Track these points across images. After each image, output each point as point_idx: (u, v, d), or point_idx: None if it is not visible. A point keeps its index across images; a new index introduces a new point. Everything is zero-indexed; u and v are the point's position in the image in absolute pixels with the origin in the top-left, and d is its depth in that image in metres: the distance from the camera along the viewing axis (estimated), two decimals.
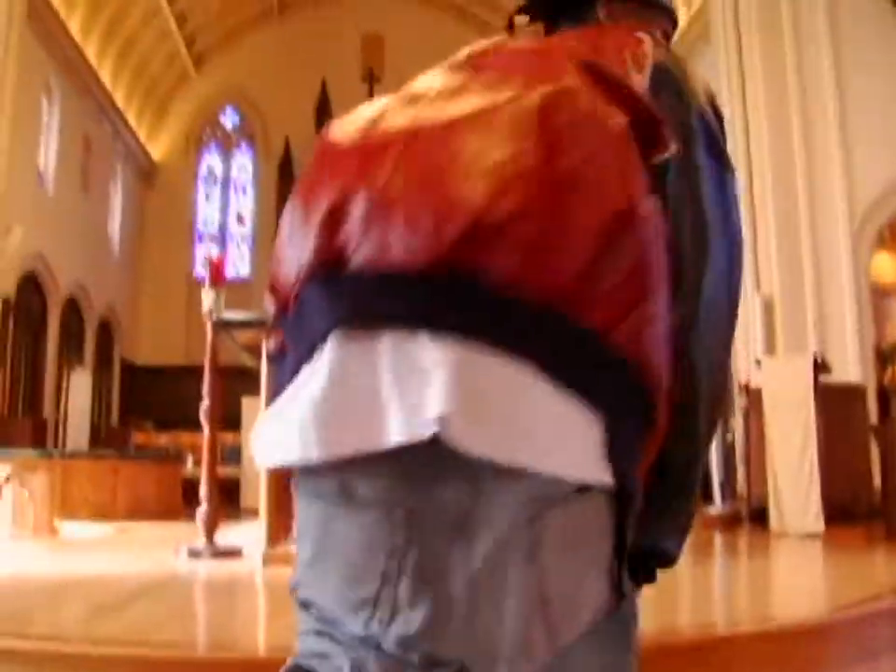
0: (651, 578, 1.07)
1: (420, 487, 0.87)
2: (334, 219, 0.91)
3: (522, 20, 1.41)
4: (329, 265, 0.91)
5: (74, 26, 15.54)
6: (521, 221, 0.87)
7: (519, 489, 0.86)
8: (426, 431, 0.82)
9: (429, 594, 0.86)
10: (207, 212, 21.13)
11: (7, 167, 12.03)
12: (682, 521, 1.09)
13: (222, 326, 4.74)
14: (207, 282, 4.84)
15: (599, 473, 0.89)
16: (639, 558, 1.01)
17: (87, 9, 15.89)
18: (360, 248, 0.89)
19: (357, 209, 0.90)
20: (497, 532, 0.86)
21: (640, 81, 1.08)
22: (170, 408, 16.44)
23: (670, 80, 1.13)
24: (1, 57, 11.88)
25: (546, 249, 0.87)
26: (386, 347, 0.87)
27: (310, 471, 0.93)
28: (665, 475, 1.02)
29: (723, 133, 1.17)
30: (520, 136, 0.92)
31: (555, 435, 0.87)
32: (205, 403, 5.25)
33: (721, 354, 1.10)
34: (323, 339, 0.91)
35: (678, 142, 1.02)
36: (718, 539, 7.81)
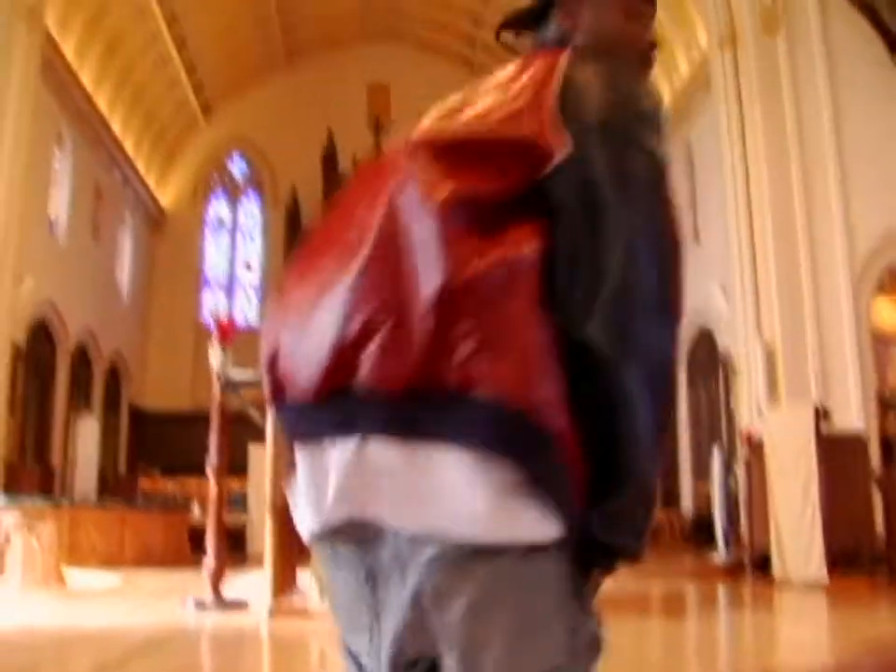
0: (609, 569, 1.14)
1: (371, 550, 1.12)
2: (273, 363, 1.18)
3: (508, 36, 1.49)
4: (276, 400, 1.20)
5: (86, 77, 15.81)
6: (372, 333, 1.08)
7: (423, 552, 1.06)
8: (338, 514, 1.11)
9: (394, 626, 1.11)
10: (215, 259, 21.32)
11: (19, 217, 12.20)
12: (636, 516, 1.12)
13: (229, 385, 4.85)
14: (216, 342, 4.95)
15: (491, 532, 1.04)
16: (597, 552, 1.10)
17: (98, 61, 16.18)
18: (287, 384, 1.17)
19: (285, 348, 1.17)
20: (411, 590, 1.08)
21: (550, 94, 1.18)
22: (177, 454, 16.50)
23: (575, 88, 1.20)
24: (15, 108, 12.09)
25: (394, 344, 1.07)
26: (328, 453, 1.13)
27: (317, 542, 1.19)
28: (612, 472, 1.09)
29: (649, 128, 1.19)
30: (367, 249, 1.14)
31: (441, 501, 1.05)
32: (212, 460, 5.34)
33: (654, 352, 1.12)
34: (293, 449, 1.20)
35: (572, 147, 1.12)
36: (721, 589, 7.83)
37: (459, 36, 20.44)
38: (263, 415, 4.85)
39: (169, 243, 20.37)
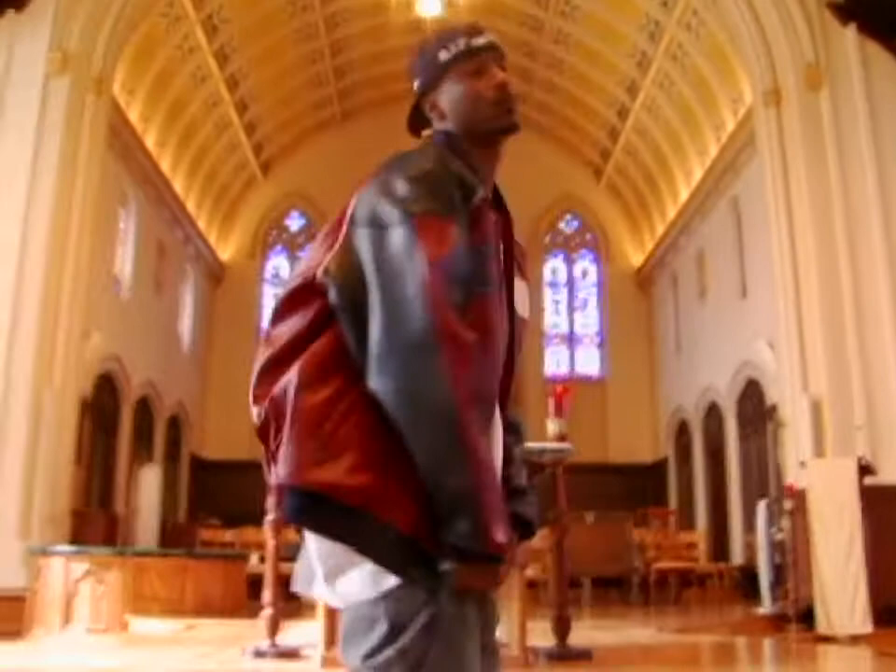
0: (462, 567, 1.39)
1: None
2: None
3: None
4: None
5: (150, 140, 16.48)
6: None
7: None
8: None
9: None
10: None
11: (86, 275, 12.75)
12: (454, 522, 1.35)
13: None
14: None
15: (330, 595, 1.48)
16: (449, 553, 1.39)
17: (162, 125, 16.86)
18: None
19: None
20: None
21: (340, 228, 1.59)
22: (235, 502, 16.85)
23: (361, 204, 1.59)
24: (83, 173, 12.68)
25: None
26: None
27: None
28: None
29: (416, 204, 1.52)
30: None
31: (311, 573, 1.53)
32: (270, 514, 5.66)
33: (426, 390, 1.38)
34: None
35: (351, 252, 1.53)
36: (757, 642, 7.91)
37: None
38: None
39: (228, 297, 20.91)
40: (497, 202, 1.77)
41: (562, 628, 5.44)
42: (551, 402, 5.77)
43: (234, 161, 20.28)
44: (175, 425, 18.89)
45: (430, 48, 1.80)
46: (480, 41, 1.78)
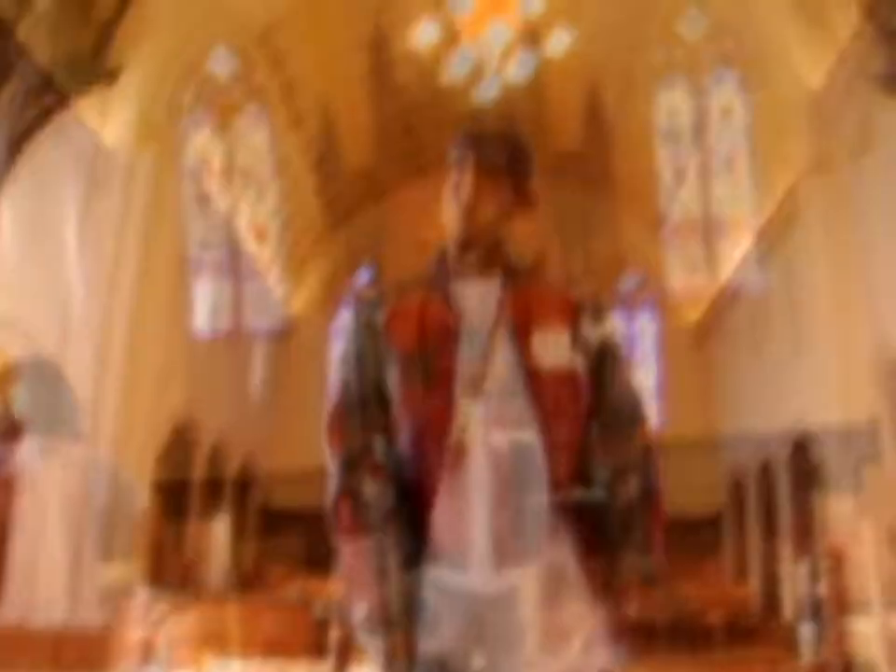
0: None
1: None
2: None
3: None
4: None
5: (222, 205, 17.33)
6: None
7: None
8: None
9: None
10: None
11: (166, 333, 13.50)
12: None
13: None
14: None
15: None
16: None
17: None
18: None
19: None
20: None
21: None
22: (303, 549, 17.29)
23: None
24: (168, 232, 13.53)
25: None
26: None
27: None
28: None
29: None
30: None
31: None
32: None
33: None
34: None
35: None
36: None
37: None
38: None
39: (299, 351, 21.47)
40: (508, 277, 1.93)
41: None
42: None
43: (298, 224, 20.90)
44: (245, 474, 19.44)
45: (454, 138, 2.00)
46: (456, 154, 1.94)
